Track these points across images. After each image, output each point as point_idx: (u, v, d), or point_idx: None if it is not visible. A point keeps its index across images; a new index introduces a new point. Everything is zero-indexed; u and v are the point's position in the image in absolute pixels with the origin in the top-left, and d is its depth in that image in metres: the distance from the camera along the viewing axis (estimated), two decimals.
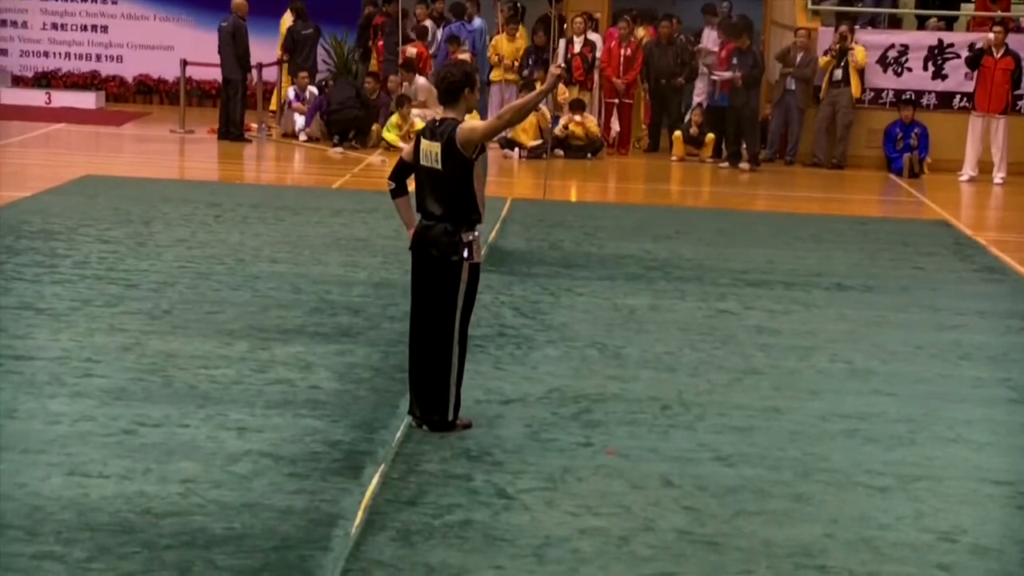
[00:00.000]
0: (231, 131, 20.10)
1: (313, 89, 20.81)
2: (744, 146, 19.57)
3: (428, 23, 21.75)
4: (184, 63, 20.72)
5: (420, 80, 20.50)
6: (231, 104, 20.16)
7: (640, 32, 20.86)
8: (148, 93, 24.35)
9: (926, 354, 9.68)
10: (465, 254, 7.28)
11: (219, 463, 6.84)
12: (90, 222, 13.08)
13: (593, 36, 20.98)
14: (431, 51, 21.43)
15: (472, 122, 7.35)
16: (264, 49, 21.50)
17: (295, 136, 20.60)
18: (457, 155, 7.22)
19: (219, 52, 20.10)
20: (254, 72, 20.76)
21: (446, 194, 7.28)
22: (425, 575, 5.70)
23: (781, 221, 15.40)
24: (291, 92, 20.99)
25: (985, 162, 19.26)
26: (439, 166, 7.26)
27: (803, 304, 11.05)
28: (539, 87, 8.37)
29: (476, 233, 7.39)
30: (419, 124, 19.88)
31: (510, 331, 9.72)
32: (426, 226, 7.38)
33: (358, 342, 9.30)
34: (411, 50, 20.70)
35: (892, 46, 20.46)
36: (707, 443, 7.52)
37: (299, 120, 20.61)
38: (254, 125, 20.85)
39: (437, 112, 23.06)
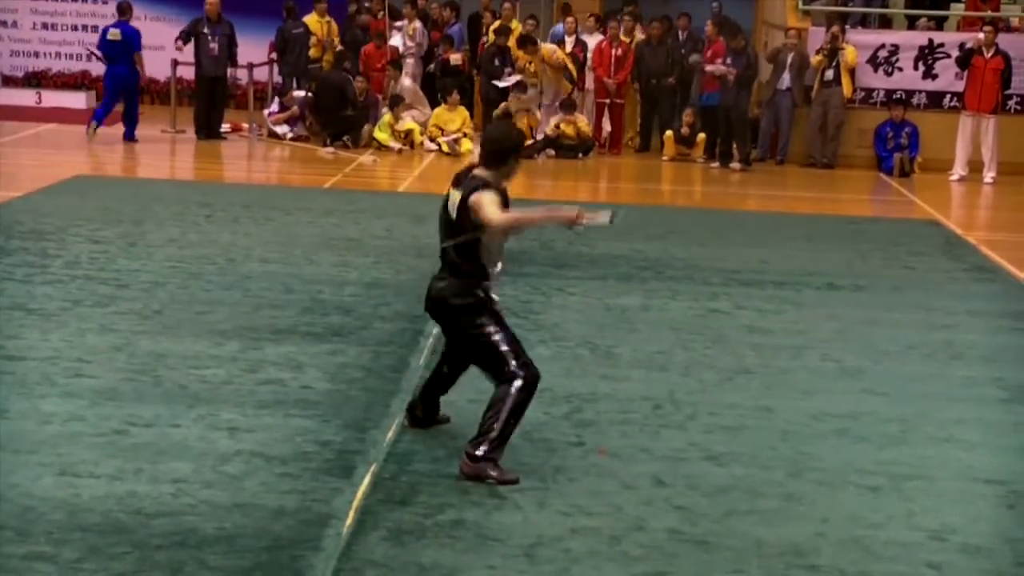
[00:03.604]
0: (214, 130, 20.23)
1: (298, 93, 20.70)
2: (735, 146, 19.58)
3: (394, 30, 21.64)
4: (175, 63, 20.69)
5: (406, 81, 20.47)
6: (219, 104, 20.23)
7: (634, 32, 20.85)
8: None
9: (917, 353, 9.69)
10: (482, 316, 6.86)
11: (210, 463, 6.84)
12: (81, 222, 13.05)
13: (584, 36, 20.98)
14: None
15: (491, 205, 6.73)
16: (255, 49, 21.44)
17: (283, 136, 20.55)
18: (468, 215, 6.80)
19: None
20: (245, 72, 20.71)
21: (454, 245, 6.89)
22: (417, 575, 5.70)
23: (772, 221, 15.41)
24: (275, 105, 20.88)
25: (975, 161, 19.29)
26: (454, 215, 6.87)
27: (794, 303, 11.06)
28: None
29: (486, 285, 6.94)
30: (410, 124, 19.91)
31: None
32: (438, 280, 7.01)
33: (349, 342, 9.30)
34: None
35: (882, 46, 20.50)
36: (698, 442, 7.52)
37: (280, 131, 20.51)
38: (245, 125, 20.83)
39: (424, 112, 22.60)
